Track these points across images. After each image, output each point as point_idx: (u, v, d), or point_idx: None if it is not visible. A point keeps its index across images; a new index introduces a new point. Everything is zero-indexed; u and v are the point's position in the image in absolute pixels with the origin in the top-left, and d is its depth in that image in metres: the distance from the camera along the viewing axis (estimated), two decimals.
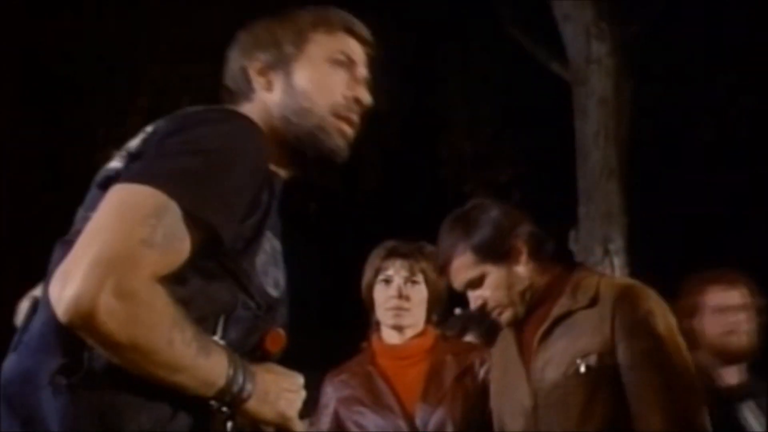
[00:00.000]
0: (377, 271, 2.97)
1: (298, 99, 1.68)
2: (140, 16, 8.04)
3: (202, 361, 1.38)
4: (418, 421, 2.83)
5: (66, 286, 1.29)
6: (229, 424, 1.46)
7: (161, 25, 8.14)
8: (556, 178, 8.01)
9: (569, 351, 2.41)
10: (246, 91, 1.72)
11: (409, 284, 2.94)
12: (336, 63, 1.72)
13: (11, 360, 1.44)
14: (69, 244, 1.42)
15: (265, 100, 1.70)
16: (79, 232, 1.42)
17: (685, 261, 3.57)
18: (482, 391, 2.84)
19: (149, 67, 8.27)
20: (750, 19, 8.07)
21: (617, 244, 6.62)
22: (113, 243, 1.31)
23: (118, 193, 1.38)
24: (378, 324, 3.02)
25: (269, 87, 1.70)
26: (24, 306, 1.55)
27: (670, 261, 3.55)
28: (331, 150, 1.69)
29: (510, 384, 2.57)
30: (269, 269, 1.56)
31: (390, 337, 2.99)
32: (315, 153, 1.69)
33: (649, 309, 2.41)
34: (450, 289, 2.74)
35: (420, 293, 2.96)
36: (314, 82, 1.69)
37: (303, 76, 1.70)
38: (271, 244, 1.57)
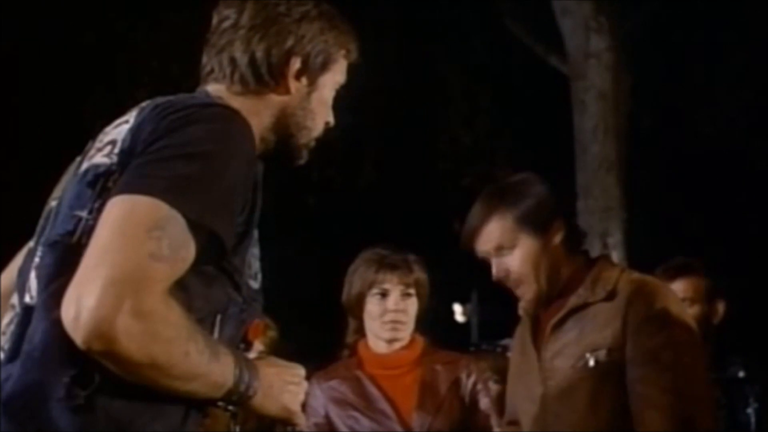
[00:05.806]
0: (371, 284, 2.93)
1: (306, 116, 1.68)
2: (140, 7, 8.03)
3: (214, 366, 1.39)
4: (416, 428, 2.83)
5: (81, 312, 1.27)
6: (232, 422, 1.48)
7: (161, 15, 8.14)
8: (554, 172, 7.99)
9: (580, 343, 2.39)
10: (258, 81, 1.64)
11: (405, 297, 2.94)
12: (335, 88, 1.74)
13: (11, 372, 1.41)
14: (58, 248, 1.42)
15: (279, 104, 1.66)
16: (69, 234, 1.42)
17: (683, 255, 3.57)
18: (471, 402, 2.90)
19: (149, 58, 8.26)
20: (748, 12, 8.08)
21: (616, 238, 6.63)
22: (123, 262, 1.29)
23: (118, 206, 1.35)
24: (363, 331, 3.01)
25: (293, 91, 1.66)
26: (8, 314, 1.49)
27: (669, 255, 3.55)
28: (300, 162, 1.74)
29: (524, 369, 2.57)
30: (252, 261, 1.57)
31: (378, 346, 2.98)
32: (287, 158, 1.72)
33: (664, 307, 2.36)
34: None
35: (414, 306, 2.96)
36: (322, 106, 1.71)
37: (319, 96, 1.70)
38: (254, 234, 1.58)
